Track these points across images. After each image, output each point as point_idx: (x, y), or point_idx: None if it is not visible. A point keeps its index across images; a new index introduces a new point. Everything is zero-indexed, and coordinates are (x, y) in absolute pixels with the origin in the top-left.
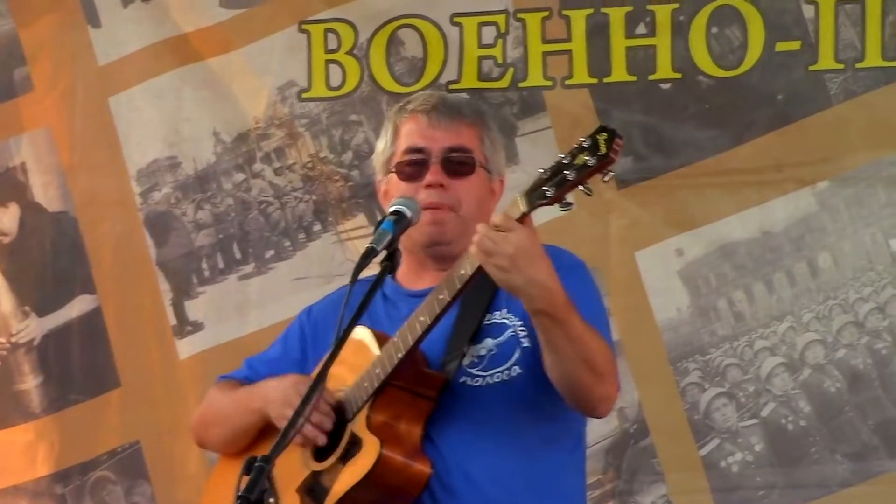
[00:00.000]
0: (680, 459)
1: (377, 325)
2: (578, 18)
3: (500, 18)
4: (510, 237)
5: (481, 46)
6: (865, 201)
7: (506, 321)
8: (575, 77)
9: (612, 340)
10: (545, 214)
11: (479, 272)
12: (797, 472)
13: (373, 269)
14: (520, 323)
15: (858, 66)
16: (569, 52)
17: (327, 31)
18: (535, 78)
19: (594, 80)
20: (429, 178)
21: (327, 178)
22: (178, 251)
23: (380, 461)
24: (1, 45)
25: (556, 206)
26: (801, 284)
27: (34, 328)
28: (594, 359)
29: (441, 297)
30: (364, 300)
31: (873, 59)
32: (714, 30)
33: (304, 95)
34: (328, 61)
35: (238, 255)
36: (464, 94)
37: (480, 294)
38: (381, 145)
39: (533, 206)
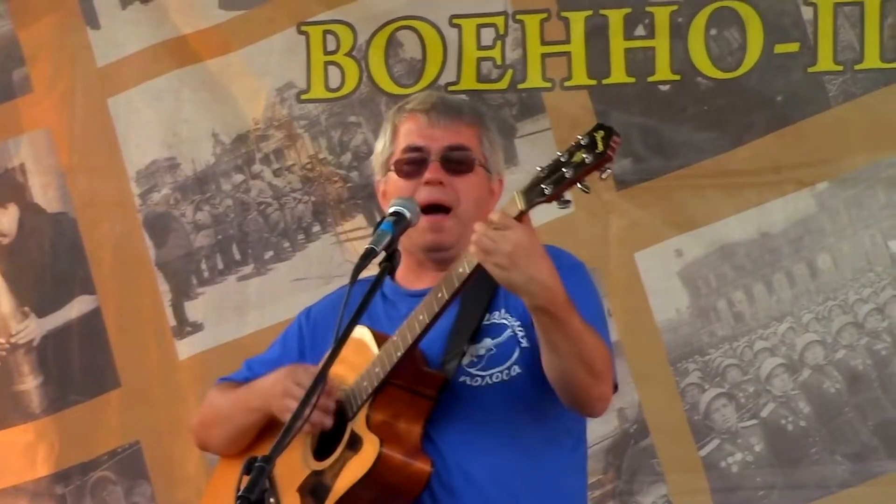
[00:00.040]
0: (680, 460)
1: (376, 325)
2: (577, 20)
3: (499, 20)
4: (508, 235)
5: (480, 48)
6: (864, 203)
7: (504, 321)
8: (574, 78)
9: (611, 341)
10: (545, 215)
11: (478, 271)
12: (797, 472)
13: (372, 270)
14: (518, 323)
15: (857, 67)
16: (568, 53)
17: (326, 32)
18: (533, 79)
19: (593, 82)
20: (428, 175)
21: (326, 180)
22: (178, 252)
23: (380, 460)
24: (0, 46)
25: (555, 203)
26: (801, 285)
27: (34, 329)
28: (592, 358)
29: (440, 295)
30: (364, 300)
31: (872, 60)
32: (713, 31)
33: (303, 97)
34: (327, 63)
35: (237, 256)
36: (463, 96)
37: (480, 294)
38: (380, 146)
39: (531, 203)
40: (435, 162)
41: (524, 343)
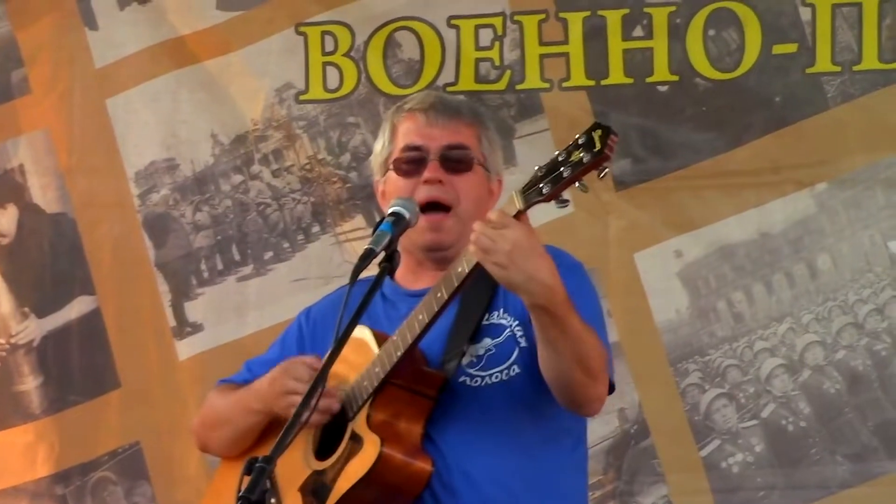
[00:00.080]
0: (680, 460)
1: (376, 326)
2: (575, 21)
3: (497, 21)
4: (507, 234)
5: (478, 49)
6: (863, 203)
7: (503, 321)
8: (572, 79)
9: (609, 342)
10: (544, 215)
11: (476, 269)
12: (797, 473)
13: (372, 270)
14: (517, 323)
15: (855, 68)
16: (566, 54)
17: (324, 33)
18: (532, 80)
19: (591, 83)
20: (427, 173)
21: (325, 180)
22: (177, 252)
23: (380, 459)
24: None
25: (553, 203)
26: (801, 286)
27: (33, 329)
28: (589, 358)
29: (439, 295)
30: (363, 301)
31: (870, 61)
32: (711, 32)
33: (302, 97)
34: (325, 63)
35: (237, 257)
36: (461, 96)
37: (480, 293)
38: (379, 145)
39: (529, 203)
40: (434, 161)
41: (523, 343)
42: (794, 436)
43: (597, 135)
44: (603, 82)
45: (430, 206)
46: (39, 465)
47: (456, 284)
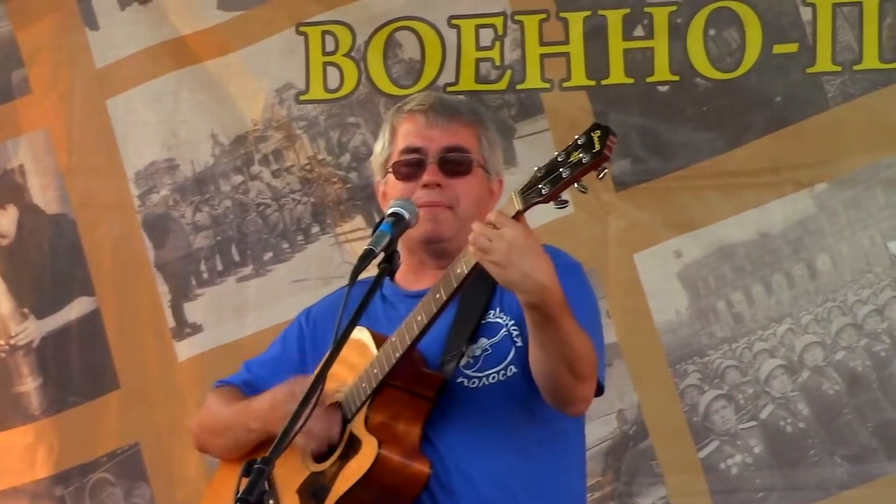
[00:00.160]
0: (679, 461)
1: (376, 327)
2: (576, 20)
3: (498, 21)
4: (505, 233)
5: (479, 49)
6: (863, 203)
7: (499, 320)
8: (573, 79)
9: (604, 343)
10: (544, 215)
11: (475, 271)
12: (796, 474)
13: (371, 271)
14: (512, 322)
15: (856, 68)
16: (566, 54)
17: (325, 33)
18: (532, 80)
19: (592, 83)
20: (426, 177)
21: (325, 181)
22: (177, 253)
23: (378, 461)
24: None
25: (552, 204)
26: (800, 286)
27: (33, 330)
28: (578, 360)
29: (438, 296)
30: (362, 302)
31: (871, 61)
32: (712, 32)
33: (302, 98)
34: (326, 63)
35: (236, 258)
36: (461, 96)
37: (478, 294)
38: (379, 147)
39: (528, 203)
40: (433, 164)
41: (519, 342)
42: (793, 437)
43: (596, 135)
44: (603, 82)
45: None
46: (39, 466)
47: (455, 285)
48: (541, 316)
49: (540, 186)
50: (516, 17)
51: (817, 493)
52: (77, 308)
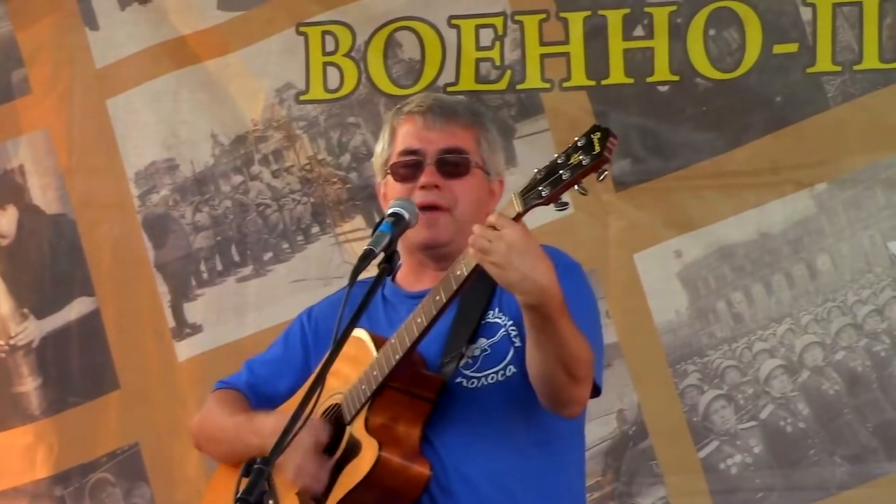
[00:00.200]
0: (679, 461)
1: (377, 328)
2: (576, 20)
3: (498, 21)
4: (504, 234)
5: (479, 49)
6: (863, 203)
7: (498, 321)
8: (573, 79)
9: (603, 343)
10: (544, 216)
11: (475, 273)
12: (796, 474)
13: (371, 271)
14: (511, 322)
15: (856, 68)
16: (566, 54)
17: (325, 33)
18: (532, 80)
19: (592, 83)
20: (423, 179)
21: (325, 181)
22: (177, 253)
23: (378, 463)
24: None
25: (552, 206)
26: (800, 286)
27: (33, 330)
28: (574, 362)
29: (437, 298)
30: (362, 302)
31: (871, 61)
32: (712, 32)
33: (302, 98)
34: (326, 63)
35: (236, 258)
36: (461, 97)
37: (478, 294)
38: (379, 148)
39: (528, 205)
40: (430, 165)
41: (517, 343)
42: (793, 437)
43: (596, 137)
44: (603, 82)
45: (426, 207)
46: (39, 467)
47: (455, 287)
48: (539, 317)
49: (540, 188)
50: (516, 17)
51: (817, 493)
52: (77, 308)
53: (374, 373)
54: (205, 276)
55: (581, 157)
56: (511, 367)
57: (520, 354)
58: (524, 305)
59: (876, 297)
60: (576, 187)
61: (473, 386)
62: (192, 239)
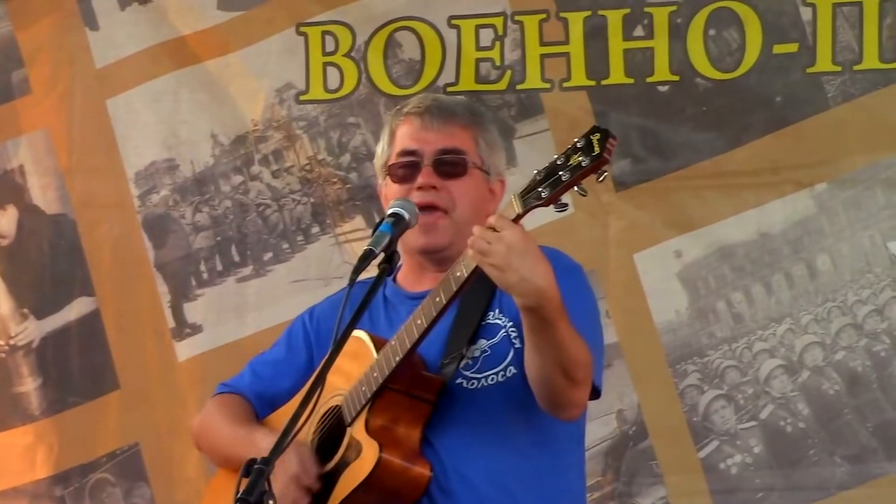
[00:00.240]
0: (679, 461)
1: (377, 328)
2: (576, 20)
3: (498, 21)
4: (504, 236)
5: (479, 49)
6: (863, 203)
7: (498, 321)
8: (573, 79)
9: (603, 345)
10: (544, 216)
11: (475, 274)
12: (796, 474)
13: (372, 271)
14: (511, 323)
15: (856, 68)
16: (566, 54)
17: (325, 33)
18: (532, 80)
19: (592, 83)
20: (420, 179)
21: (325, 181)
22: (177, 253)
23: (379, 464)
24: None
25: (552, 207)
26: (800, 286)
27: (33, 330)
28: (573, 365)
29: (437, 299)
30: (362, 302)
31: (871, 61)
32: (712, 32)
33: (302, 98)
34: (326, 63)
35: (236, 258)
36: (461, 97)
37: (478, 296)
38: (380, 149)
39: (528, 207)
40: (427, 166)
41: (517, 344)
42: (793, 437)
43: (595, 138)
44: (603, 82)
45: (425, 207)
46: (39, 467)
47: (454, 289)
48: (537, 319)
49: (539, 190)
50: (516, 18)
51: (817, 493)
52: (77, 308)
53: (374, 374)
54: (205, 276)
55: (580, 159)
56: (511, 368)
57: (520, 355)
58: (522, 308)
59: (876, 297)
60: (575, 188)
61: (473, 387)
62: (192, 239)
